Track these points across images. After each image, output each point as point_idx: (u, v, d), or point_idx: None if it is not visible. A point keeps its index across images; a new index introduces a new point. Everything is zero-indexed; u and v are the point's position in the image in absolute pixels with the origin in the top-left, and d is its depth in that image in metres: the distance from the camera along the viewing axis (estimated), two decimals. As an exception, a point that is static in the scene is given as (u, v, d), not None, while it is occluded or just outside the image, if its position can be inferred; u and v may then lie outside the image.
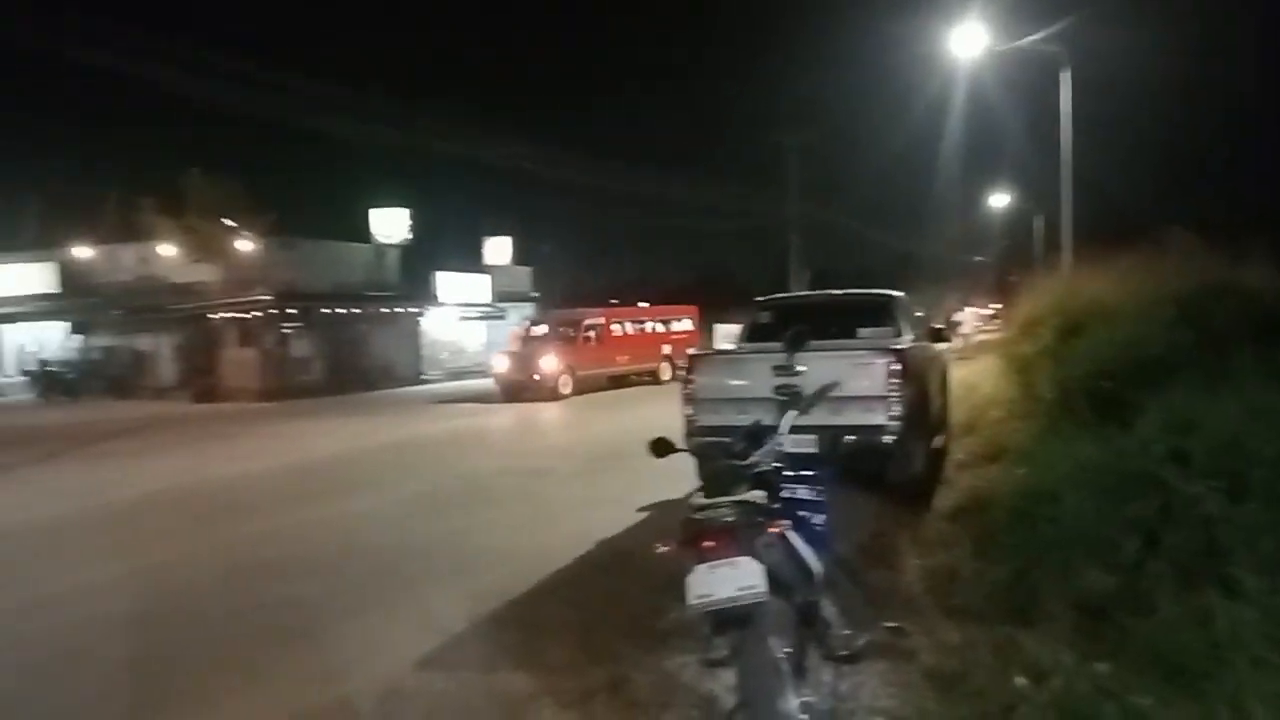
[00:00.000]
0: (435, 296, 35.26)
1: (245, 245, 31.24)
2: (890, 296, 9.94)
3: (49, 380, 31.15)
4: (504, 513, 9.41)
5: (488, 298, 38.23)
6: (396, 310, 33.18)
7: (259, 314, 29.12)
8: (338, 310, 30.88)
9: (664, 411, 10.18)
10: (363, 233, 36.99)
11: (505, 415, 20.24)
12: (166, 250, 32.17)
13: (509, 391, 23.19)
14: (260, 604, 6.52)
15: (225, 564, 7.81)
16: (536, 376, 22.93)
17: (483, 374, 35.28)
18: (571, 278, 47.29)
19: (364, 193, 37.95)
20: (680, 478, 4.44)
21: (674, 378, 24.83)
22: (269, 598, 6.65)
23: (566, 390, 23.24)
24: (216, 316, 30.17)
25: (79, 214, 33.64)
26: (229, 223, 31.15)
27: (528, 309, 38.71)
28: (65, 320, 33.90)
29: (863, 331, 9.19)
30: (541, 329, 26.00)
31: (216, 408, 25.85)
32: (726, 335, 22.16)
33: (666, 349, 27.09)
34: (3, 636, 6.11)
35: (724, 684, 4.12)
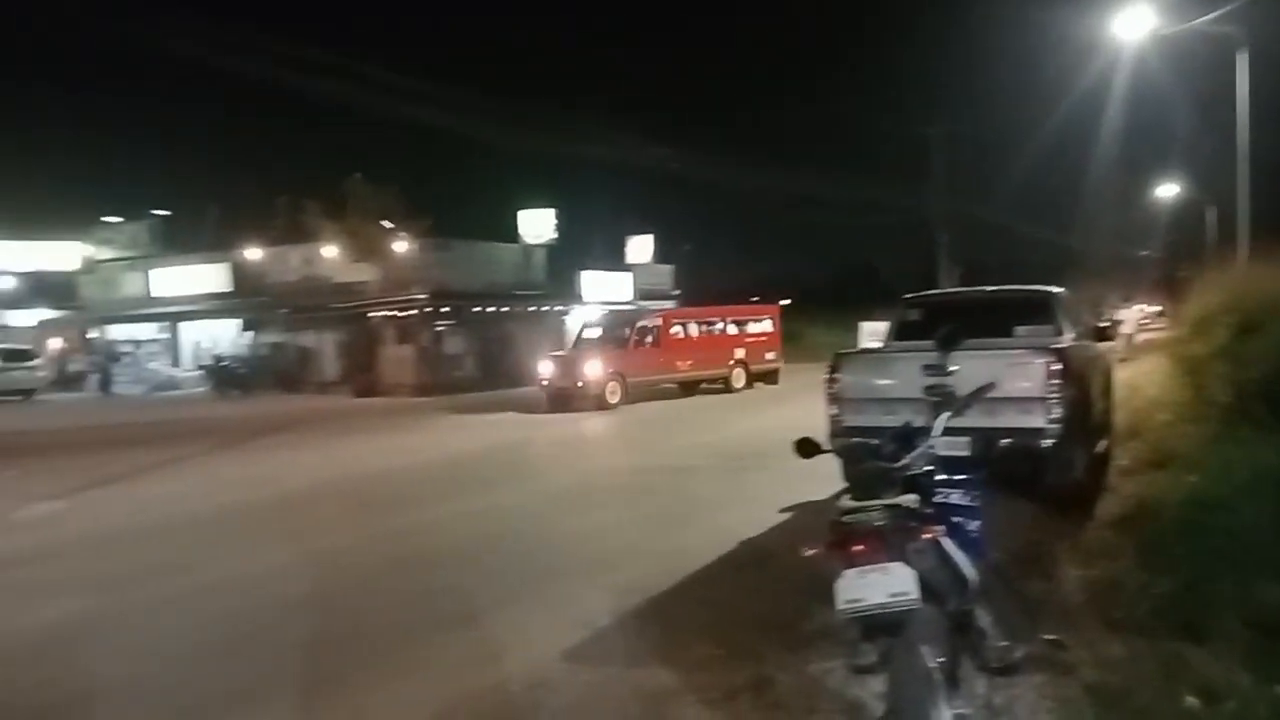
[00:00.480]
0: (580, 295, 35.92)
1: (402, 246, 32.62)
2: (1049, 293, 9.52)
3: (222, 375, 33.03)
4: (643, 509, 9.52)
5: (630, 295, 38.70)
6: (543, 308, 33.96)
7: (415, 312, 30.32)
8: (488, 309, 31.83)
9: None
10: (511, 233, 38.07)
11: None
12: (329, 252, 33.91)
13: (555, 400, 21.11)
14: (420, 591, 6.82)
15: (387, 552, 8.19)
16: (580, 384, 20.82)
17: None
18: (712, 276, 47.31)
19: (513, 195, 39.20)
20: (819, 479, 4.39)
21: (749, 385, 24.08)
22: (427, 585, 6.95)
23: (615, 399, 20.90)
24: (376, 315, 31.58)
25: (252, 218, 35.90)
26: (387, 225, 32.61)
27: (669, 307, 38.94)
28: (237, 318, 36.15)
29: (1020, 330, 8.84)
30: (595, 330, 24.01)
31: (376, 402, 27.10)
32: (872, 333, 20.53)
33: (740, 353, 24.41)
34: (184, 616, 6.56)
35: (872, 691, 4.06)
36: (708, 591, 6.39)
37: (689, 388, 23.63)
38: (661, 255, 43.77)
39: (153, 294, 37.98)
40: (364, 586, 7.16)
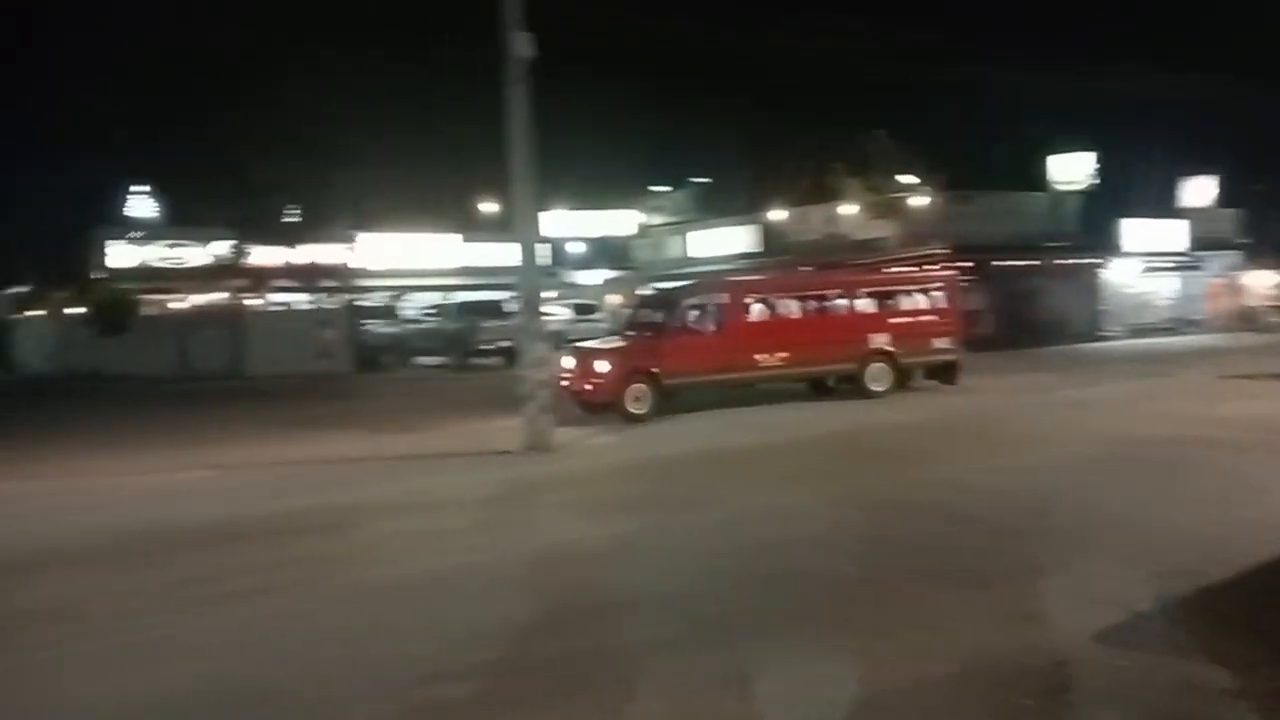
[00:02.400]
0: (1118, 246, 32.61)
1: (922, 200, 32.23)
2: None
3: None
4: (1184, 485, 8.53)
5: (1183, 246, 34.18)
6: (1074, 261, 31.44)
7: (933, 268, 29.86)
8: (1012, 262, 30.29)
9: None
10: (1039, 181, 35.60)
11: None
12: (849, 209, 34.62)
13: (588, 407, 15.03)
14: (937, 546, 6.89)
15: (903, 503, 8.32)
16: (589, 386, 15.05)
17: (1172, 331, 31.87)
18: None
19: (1043, 139, 36.43)
20: None
21: (898, 386, 16.42)
22: (946, 541, 7.00)
23: (640, 409, 14.56)
24: (893, 271, 31.62)
25: (781, 181, 37.85)
26: (908, 179, 32.43)
27: (1231, 258, 33.79)
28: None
29: None
30: (652, 310, 17.46)
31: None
32: None
33: (881, 339, 16.48)
34: (699, 546, 7.23)
35: None
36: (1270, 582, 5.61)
37: (817, 386, 16.99)
38: (1226, 199, 37.88)
39: (690, 255, 41.95)
40: (879, 534, 7.37)
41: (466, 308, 30.95)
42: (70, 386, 27.45)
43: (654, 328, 16.00)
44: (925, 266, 29.65)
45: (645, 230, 45.40)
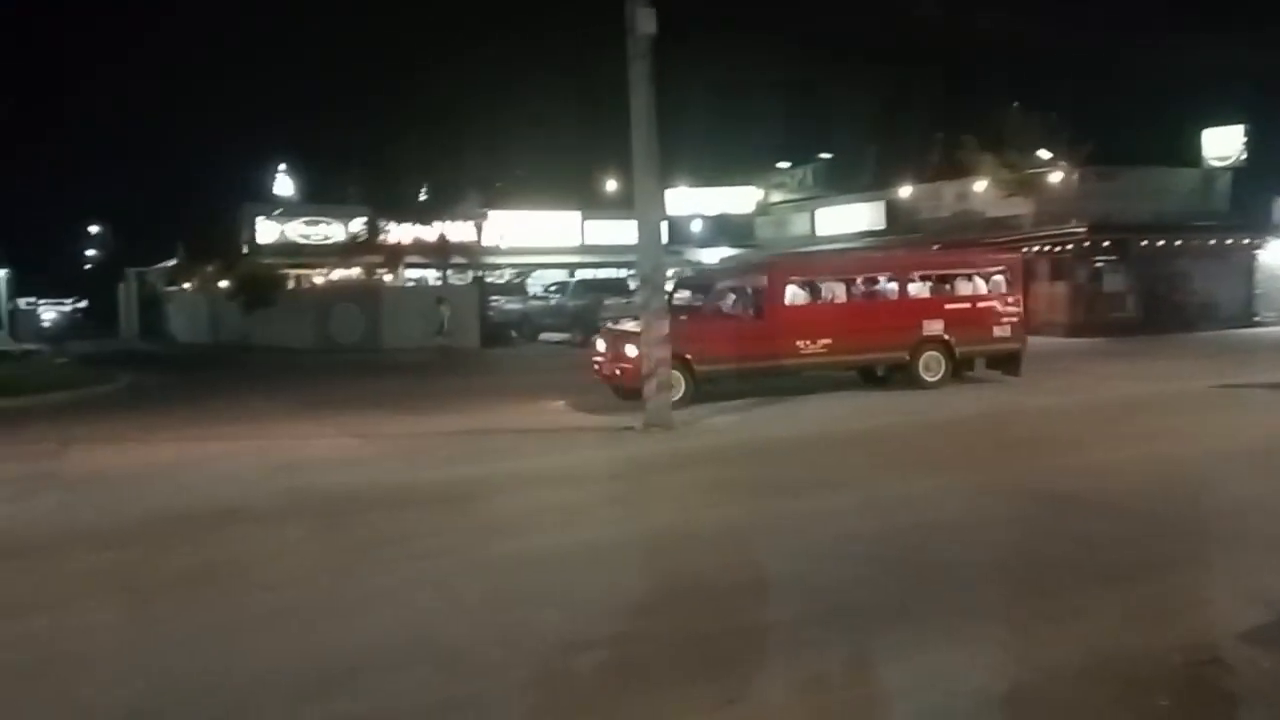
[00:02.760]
0: (1275, 225, 30.58)
1: (1059, 176, 30.93)
2: None
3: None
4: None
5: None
6: (1226, 241, 29.64)
7: (1071, 247, 28.71)
8: (1157, 242, 28.82)
9: None
10: (1189, 156, 33.62)
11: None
12: (982, 186, 33.48)
13: (621, 391, 14.38)
14: (1077, 535, 6.69)
15: (1042, 490, 8.09)
16: (617, 370, 14.24)
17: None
18: None
19: (1195, 112, 34.34)
20: None
21: (953, 376, 15.44)
22: (1085, 530, 6.79)
23: (675, 395, 13.05)
24: (1028, 250, 30.51)
25: (908, 157, 36.90)
26: (1045, 155, 31.13)
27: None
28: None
29: None
30: (690, 292, 16.14)
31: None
32: None
33: (935, 326, 15.38)
34: (827, 528, 7.16)
35: None
36: None
37: (868, 375, 15.98)
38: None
39: (816, 233, 41.39)
40: (1014, 522, 7.19)
41: (588, 285, 31.39)
42: (220, 357, 29.14)
43: (689, 311, 14.98)
44: (1063, 245, 28.62)
45: (767, 207, 44.98)
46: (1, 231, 36.24)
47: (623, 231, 28.46)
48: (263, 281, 32.58)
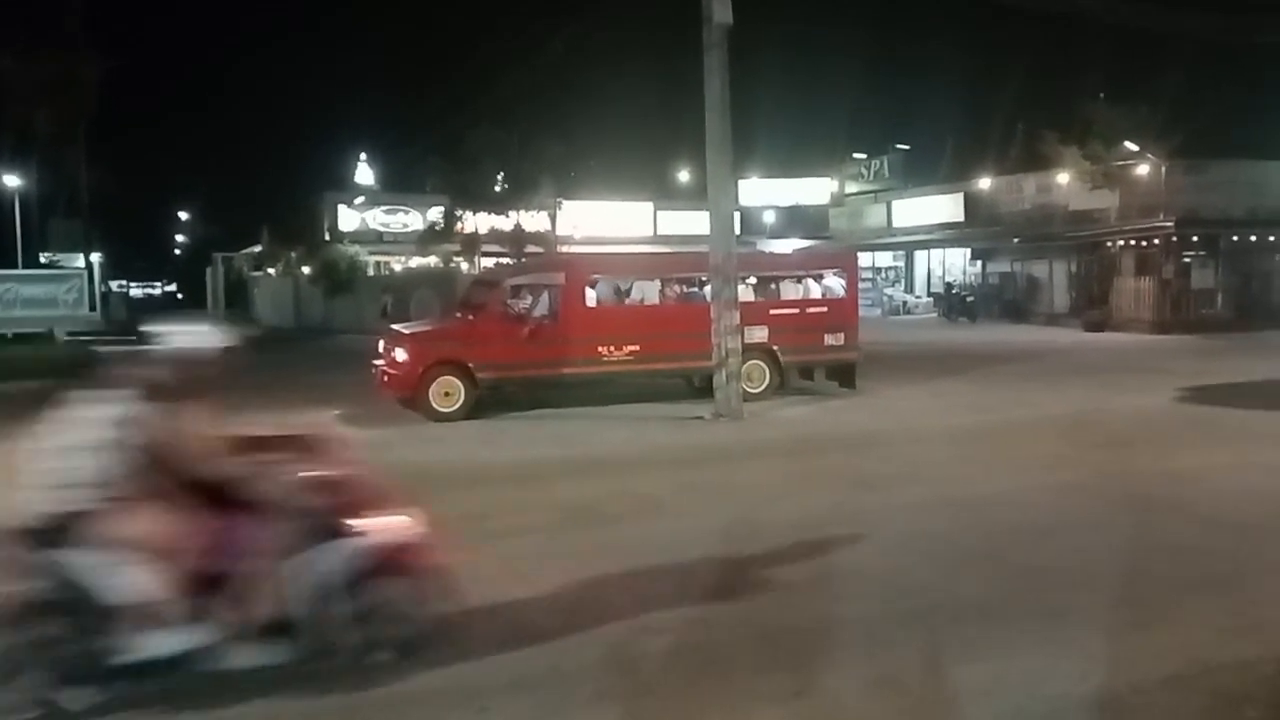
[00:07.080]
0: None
1: (1147, 170, 29.98)
2: None
3: (951, 302, 34.64)
4: None
5: None
6: (1325, 238, 28.47)
7: (1158, 242, 27.85)
8: (1249, 237, 27.79)
9: None
10: (1286, 149, 32.24)
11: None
12: (1064, 179, 32.63)
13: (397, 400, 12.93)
14: (1167, 544, 6.53)
15: (1131, 495, 7.91)
16: (387, 376, 12.84)
17: None
18: None
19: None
20: None
21: (775, 387, 13.98)
22: (1174, 539, 6.64)
23: (448, 407, 12.32)
24: (1113, 244, 29.70)
25: (987, 149, 36.13)
26: (1131, 147, 30.20)
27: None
28: (967, 247, 37.02)
29: None
30: (480, 291, 14.71)
31: (1106, 337, 25.68)
32: None
33: (760, 333, 13.71)
34: (902, 524, 7.12)
35: None
36: None
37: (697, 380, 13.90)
38: None
39: (893, 224, 40.83)
40: (1101, 528, 7.05)
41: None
42: (303, 340, 29.89)
43: (475, 310, 13.70)
44: (1150, 239, 27.77)
45: (841, 199, 44.48)
46: (96, 217, 37.61)
47: (695, 222, 28.36)
48: (343, 267, 33.31)
